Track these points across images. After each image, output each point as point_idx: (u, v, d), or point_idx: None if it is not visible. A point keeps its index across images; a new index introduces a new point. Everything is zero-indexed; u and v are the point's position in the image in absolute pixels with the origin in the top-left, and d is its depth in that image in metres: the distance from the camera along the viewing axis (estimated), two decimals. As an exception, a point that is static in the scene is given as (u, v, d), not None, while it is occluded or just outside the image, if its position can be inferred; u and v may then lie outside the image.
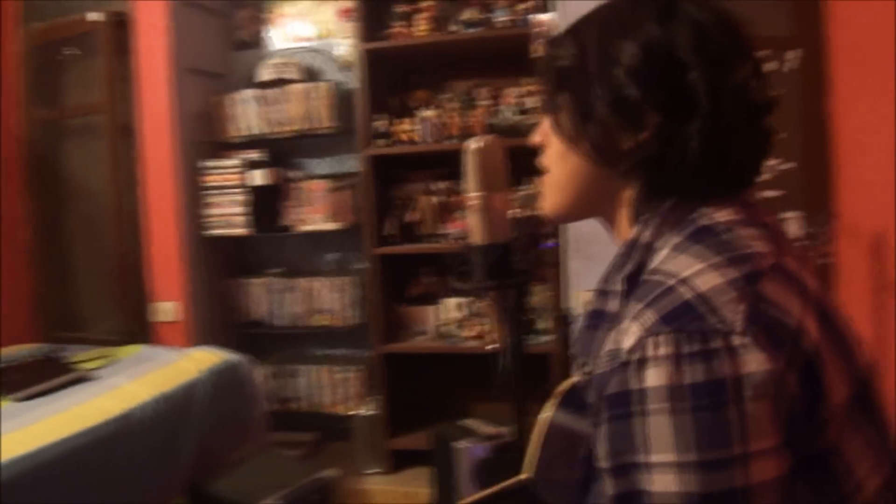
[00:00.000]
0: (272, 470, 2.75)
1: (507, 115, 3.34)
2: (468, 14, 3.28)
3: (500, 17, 3.27)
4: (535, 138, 0.99)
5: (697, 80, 0.82)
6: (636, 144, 0.85)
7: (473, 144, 1.19)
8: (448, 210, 3.49)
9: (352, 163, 3.76)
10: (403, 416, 3.58)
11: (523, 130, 3.28)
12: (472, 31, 3.29)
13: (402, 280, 3.68)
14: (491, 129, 3.33)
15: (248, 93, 3.64)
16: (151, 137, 3.50)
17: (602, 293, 0.92)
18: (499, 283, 1.22)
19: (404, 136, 3.39)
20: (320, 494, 2.68)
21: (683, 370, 0.70)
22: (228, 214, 3.63)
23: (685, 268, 0.77)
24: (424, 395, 3.76)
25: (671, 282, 0.76)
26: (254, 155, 3.66)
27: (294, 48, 3.81)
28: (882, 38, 2.19)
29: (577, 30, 0.92)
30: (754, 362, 0.71)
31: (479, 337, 3.37)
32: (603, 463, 0.77)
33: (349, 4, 3.66)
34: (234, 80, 3.83)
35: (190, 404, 2.70)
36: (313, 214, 3.65)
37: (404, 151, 3.42)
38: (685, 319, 0.73)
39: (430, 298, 3.63)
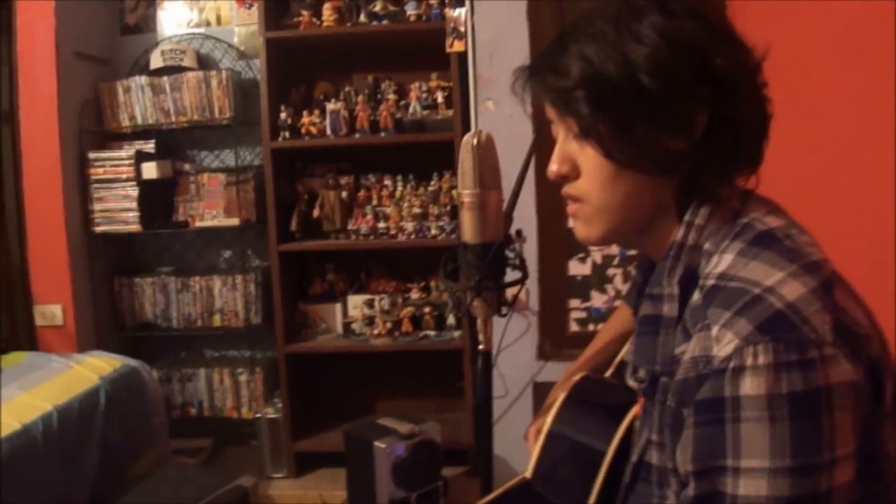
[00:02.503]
0: (182, 481, 2.60)
1: (415, 109, 3.29)
2: (377, 6, 3.20)
3: (410, 10, 3.21)
4: (560, 168, 0.93)
5: (727, 64, 0.83)
6: (691, 145, 0.85)
7: (471, 139, 1.14)
8: (354, 205, 3.41)
9: (250, 156, 3.62)
10: (307, 417, 3.49)
11: (431, 125, 3.26)
12: (380, 23, 3.22)
13: (305, 277, 3.58)
14: (399, 123, 3.28)
15: (139, 80, 3.43)
16: (34, 126, 3.22)
17: (651, 297, 0.90)
18: (492, 282, 1.18)
19: (310, 129, 3.28)
20: (238, 504, 2.57)
21: (781, 379, 0.72)
22: (118, 210, 3.41)
23: (765, 276, 0.78)
24: (329, 395, 3.67)
25: (756, 290, 0.77)
26: (145, 146, 3.45)
27: (188, 34, 3.61)
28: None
29: (573, 49, 0.87)
30: (843, 372, 0.73)
31: (389, 334, 3.32)
32: (687, 466, 0.78)
33: (248, -10, 3.53)
34: (122, 67, 3.60)
35: (91, 415, 2.52)
36: (209, 209, 3.48)
37: (310, 145, 3.31)
38: (781, 329, 0.74)
39: (333, 296, 3.54)
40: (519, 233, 1.32)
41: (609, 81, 0.84)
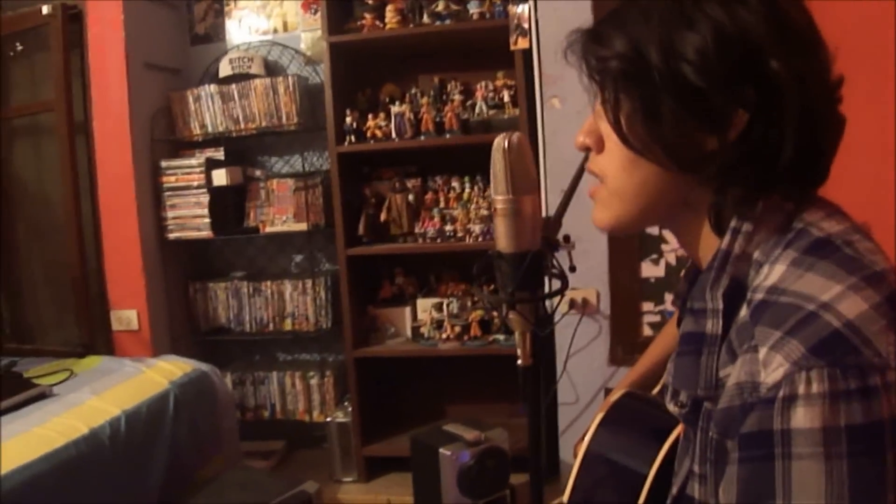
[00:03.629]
0: (247, 485, 2.61)
1: (481, 109, 3.24)
2: (440, 6, 3.16)
3: (473, 8, 3.16)
4: (585, 140, 0.88)
5: (780, 67, 0.73)
6: (722, 146, 0.76)
7: (503, 142, 1.07)
8: (421, 208, 3.38)
9: (318, 160, 3.63)
10: (377, 421, 3.48)
11: (497, 125, 3.19)
12: (443, 23, 3.18)
13: (374, 281, 3.57)
14: (465, 124, 3.23)
15: (208, 89, 3.47)
16: (107, 136, 3.31)
17: (693, 312, 0.82)
18: (529, 294, 1.11)
19: (375, 133, 3.26)
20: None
21: (839, 410, 0.63)
22: (190, 216, 3.47)
23: (821, 289, 0.68)
24: (398, 399, 3.66)
25: (811, 306, 0.67)
26: (215, 153, 3.51)
27: (255, 42, 3.66)
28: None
29: (623, 22, 0.81)
30: None
31: (457, 338, 3.27)
32: None
33: (313, -4, 3.53)
34: (192, 76, 3.67)
35: (160, 419, 2.56)
36: (279, 215, 3.51)
37: (376, 148, 3.30)
38: (839, 352, 0.65)
39: (403, 300, 3.52)
40: (567, 238, 1.23)
41: (647, 63, 0.77)
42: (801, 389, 0.64)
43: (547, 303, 1.34)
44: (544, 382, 3.01)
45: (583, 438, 1.12)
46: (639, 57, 0.78)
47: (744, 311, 0.75)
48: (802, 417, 0.64)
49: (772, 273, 0.73)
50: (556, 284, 1.21)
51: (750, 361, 0.69)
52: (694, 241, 0.86)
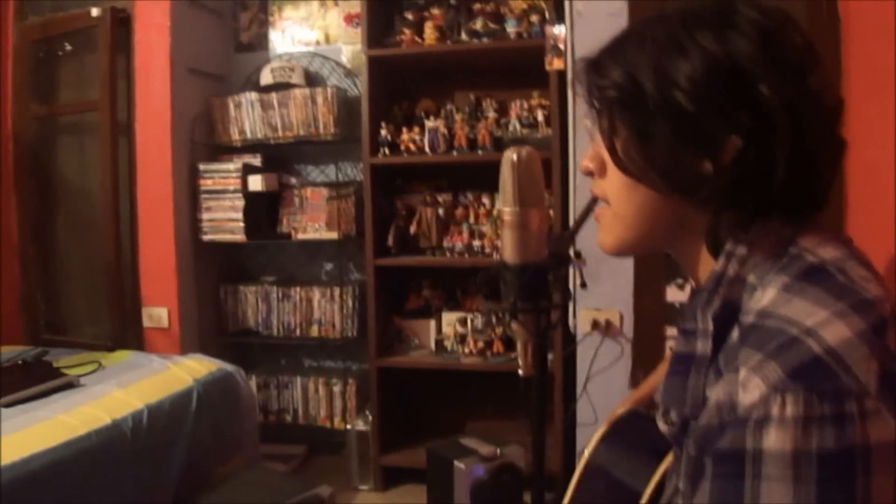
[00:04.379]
0: (262, 485, 2.65)
1: (515, 127, 3.27)
2: (478, 24, 3.20)
3: (511, 28, 3.19)
4: (588, 164, 0.90)
5: (771, 93, 0.75)
6: (716, 170, 0.78)
7: (512, 156, 1.10)
8: (450, 223, 3.41)
9: (352, 171, 3.68)
10: (396, 431, 3.50)
11: (531, 143, 3.21)
12: (481, 41, 3.22)
13: (401, 293, 3.60)
14: (498, 141, 3.26)
15: (249, 96, 3.56)
16: (148, 138, 3.41)
17: (685, 333, 0.83)
18: (532, 304, 1.13)
19: (409, 146, 3.31)
20: (312, 512, 2.59)
21: (812, 435, 0.64)
22: (224, 220, 3.55)
23: (807, 315, 0.69)
24: (418, 410, 3.68)
25: (794, 331, 0.68)
26: (252, 159, 3.58)
27: (297, 52, 3.73)
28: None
29: (621, 51, 0.83)
30: (886, 430, 0.64)
31: (480, 353, 3.29)
32: None
33: (355, 10, 3.59)
34: (234, 83, 3.75)
35: (180, 415, 2.61)
36: (311, 222, 3.56)
37: (408, 161, 3.34)
38: (817, 377, 0.65)
39: (429, 312, 3.54)
40: (578, 254, 1.25)
41: (641, 90, 0.79)
42: (776, 412, 0.65)
43: (570, 320, 1.35)
44: (563, 400, 3.01)
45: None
46: (633, 85, 0.80)
47: (734, 334, 0.76)
48: (774, 439, 0.65)
49: (763, 297, 0.74)
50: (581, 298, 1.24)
51: (730, 381, 0.70)
52: (693, 263, 0.87)
